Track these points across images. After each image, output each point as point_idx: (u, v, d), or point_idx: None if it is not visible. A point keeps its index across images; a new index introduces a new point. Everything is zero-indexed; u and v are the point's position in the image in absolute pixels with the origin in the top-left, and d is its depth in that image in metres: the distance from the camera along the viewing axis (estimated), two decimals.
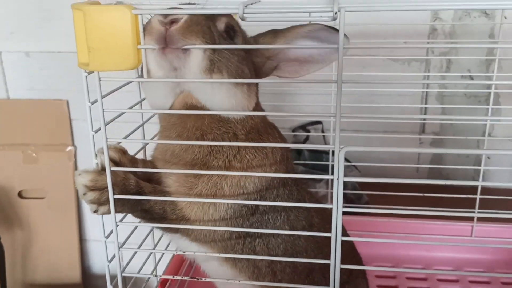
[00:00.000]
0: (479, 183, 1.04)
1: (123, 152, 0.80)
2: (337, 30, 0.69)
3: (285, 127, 1.66)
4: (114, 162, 0.77)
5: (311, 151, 1.57)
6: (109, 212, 0.72)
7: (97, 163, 0.72)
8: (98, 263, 2.03)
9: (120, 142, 0.77)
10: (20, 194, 1.91)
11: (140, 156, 0.87)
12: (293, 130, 1.66)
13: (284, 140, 0.91)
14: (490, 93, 1.40)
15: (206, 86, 0.73)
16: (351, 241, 0.98)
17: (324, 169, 1.51)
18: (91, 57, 0.58)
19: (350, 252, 0.97)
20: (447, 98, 1.63)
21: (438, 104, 1.64)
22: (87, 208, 1.92)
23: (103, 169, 0.72)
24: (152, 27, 0.67)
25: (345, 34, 0.57)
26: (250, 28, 0.83)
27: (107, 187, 0.70)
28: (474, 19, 1.55)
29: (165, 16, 0.66)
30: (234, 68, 0.74)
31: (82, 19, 0.58)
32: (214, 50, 0.70)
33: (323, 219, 0.89)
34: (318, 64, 0.81)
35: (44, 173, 1.88)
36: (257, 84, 0.84)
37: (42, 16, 1.73)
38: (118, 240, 0.71)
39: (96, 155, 0.71)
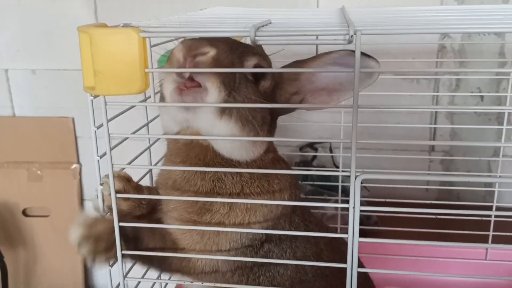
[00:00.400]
0: (493, 212, 1.01)
1: (127, 179, 0.78)
2: (366, 55, 0.67)
3: (292, 146, 1.64)
4: (119, 193, 0.75)
5: (319, 170, 1.54)
6: (106, 262, 0.70)
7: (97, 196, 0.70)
8: (102, 282, 2.00)
9: (124, 169, 0.75)
10: (24, 212, 1.89)
11: (146, 180, 0.84)
12: (301, 149, 1.64)
13: (293, 178, 0.85)
14: (500, 111, 1.38)
15: (214, 130, 0.71)
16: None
17: (332, 188, 1.48)
18: (97, 81, 0.57)
19: (364, 281, 0.93)
20: (457, 117, 1.60)
21: (448, 122, 1.61)
22: None
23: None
24: (174, 58, 0.67)
25: (375, 59, 0.55)
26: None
27: (101, 236, 0.68)
28: (483, 37, 1.53)
29: (189, 48, 0.65)
30: (245, 114, 0.71)
31: (88, 42, 0.56)
32: (229, 93, 0.68)
33: (333, 251, 0.86)
34: (350, 91, 0.76)
35: (49, 191, 1.87)
36: (269, 130, 0.79)
37: (48, 34, 1.73)
38: (123, 269, 0.68)
39: (99, 188, 0.70)
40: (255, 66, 0.74)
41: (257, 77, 0.75)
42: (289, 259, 0.81)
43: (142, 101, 0.78)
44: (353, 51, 0.59)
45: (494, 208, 1.16)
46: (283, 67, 0.80)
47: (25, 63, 1.79)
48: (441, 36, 1.54)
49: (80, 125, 1.83)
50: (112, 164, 0.63)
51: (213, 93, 0.67)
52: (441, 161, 1.65)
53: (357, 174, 0.57)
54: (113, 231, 0.69)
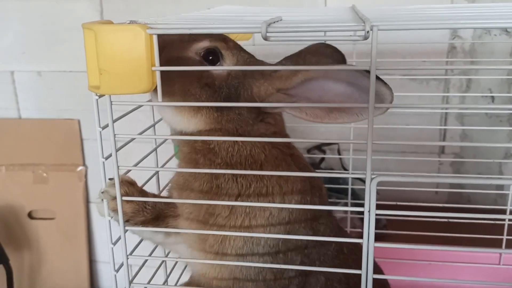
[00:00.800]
0: (507, 216, 0.98)
1: (131, 184, 0.75)
2: (381, 81, 0.61)
3: (299, 148, 1.61)
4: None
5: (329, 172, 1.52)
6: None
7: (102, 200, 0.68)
8: (108, 285, 1.99)
9: (129, 171, 0.73)
10: (29, 215, 1.89)
11: (153, 182, 0.83)
12: (308, 151, 1.61)
13: (317, 193, 0.81)
14: None
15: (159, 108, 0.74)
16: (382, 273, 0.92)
17: (340, 191, 1.45)
18: (102, 79, 0.55)
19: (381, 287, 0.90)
20: (467, 118, 1.58)
21: (458, 124, 1.58)
22: (96, 229, 1.90)
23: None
24: None
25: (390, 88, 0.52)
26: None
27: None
28: (494, 37, 1.51)
29: None
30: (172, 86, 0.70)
31: (93, 39, 0.54)
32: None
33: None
34: (354, 116, 0.67)
35: (55, 194, 1.86)
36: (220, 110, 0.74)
37: (53, 35, 1.73)
38: (129, 274, 0.66)
39: (102, 192, 0.68)
40: (208, 49, 0.72)
41: (212, 60, 0.72)
42: (317, 279, 0.78)
43: (148, 101, 0.76)
44: (368, 72, 0.53)
45: (508, 212, 1.13)
46: (282, 60, 0.77)
47: (31, 65, 1.79)
48: (451, 35, 1.51)
49: (86, 127, 1.82)
50: (118, 166, 0.61)
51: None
52: (451, 164, 1.62)
53: (373, 176, 0.54)
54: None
